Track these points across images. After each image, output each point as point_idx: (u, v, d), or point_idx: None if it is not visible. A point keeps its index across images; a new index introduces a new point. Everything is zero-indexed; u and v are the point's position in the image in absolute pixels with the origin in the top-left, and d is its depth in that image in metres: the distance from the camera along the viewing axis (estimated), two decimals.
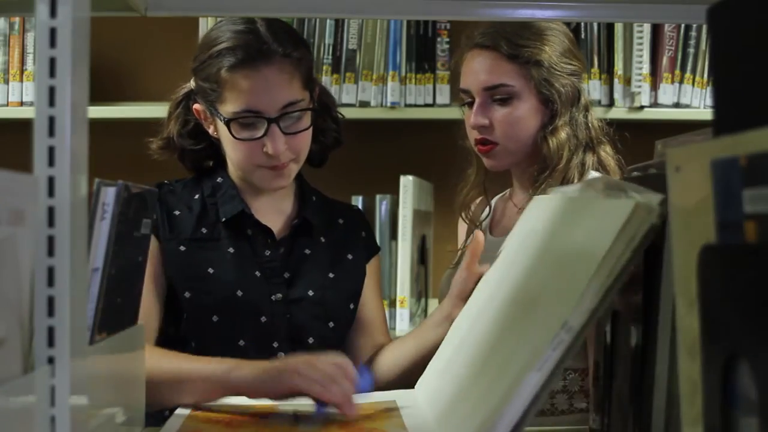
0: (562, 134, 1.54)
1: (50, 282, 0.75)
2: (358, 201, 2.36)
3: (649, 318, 0.82)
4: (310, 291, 1.55)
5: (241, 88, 1.46)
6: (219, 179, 1.59)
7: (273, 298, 1.52)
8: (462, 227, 1.81)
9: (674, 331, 0.75)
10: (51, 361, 0.75)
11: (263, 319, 1.51)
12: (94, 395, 0.87)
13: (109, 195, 0.92)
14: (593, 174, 1.53)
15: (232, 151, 1.52)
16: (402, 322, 2.38)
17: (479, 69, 1.59)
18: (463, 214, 1.75)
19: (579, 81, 1.59)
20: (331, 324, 1.56)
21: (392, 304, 2.38)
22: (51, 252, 0.75)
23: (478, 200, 1.78)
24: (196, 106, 1.56)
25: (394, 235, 2.36)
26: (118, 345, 1.02)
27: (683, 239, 0.68)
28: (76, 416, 0.77)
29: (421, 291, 2.47)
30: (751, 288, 0.57)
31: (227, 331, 1.49)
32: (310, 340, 1.54)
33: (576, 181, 1.53)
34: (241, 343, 1.49)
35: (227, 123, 1.48)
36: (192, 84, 1.57)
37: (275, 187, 1.55)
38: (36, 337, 0.75)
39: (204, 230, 1.54)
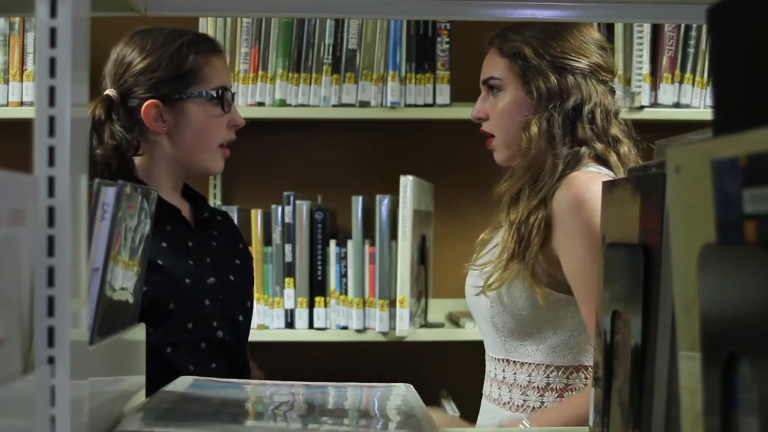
0: (534, 128, 1.57)
1: (50, 282, 0.75)
2: (358, 201, 2.35)
3: (649, 318, 0.82)
4: (231, 276, 1.68)
5: (216, 67, 1.65)
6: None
7: (208, 281, 1.62)
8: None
9: (674, 331, 0.75)
10: (51, 361, 0.75)
11: (207, 302, 1.60)
12: (94, 395, 0.87)
13: (109, 195, 0.92)
14: (591, 170, 1.54)
15: (201, 131, 1.61)
16: (402, 322, 2.38)
17: (483, 65, 1.68)
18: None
19: (581, 79, 1.59)
20: (248, 303, 1.74)
21: (392, 303, 2.38)
22: (51, 252, 0.75)
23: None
24: (148, 103, 1.60)
25: (394, 235, 2.36)
26: (118, 345, 1.02)
27: (683, 239, 0.68)
28: (76, 416, 0.77)
29: (421, 291, 2.47)
30: (751, 288, 0.57)
31: (180, 316, 1.56)
32: (240, 318, 1.66)
33: (547, 175, 1.54)
34: (189, 326, 1.57)
35: (217, 96, 1.61)
36: (133, 85, 1.61)
37: (222, 167, 1.67)
38: (36, 337, 0.75)
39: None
